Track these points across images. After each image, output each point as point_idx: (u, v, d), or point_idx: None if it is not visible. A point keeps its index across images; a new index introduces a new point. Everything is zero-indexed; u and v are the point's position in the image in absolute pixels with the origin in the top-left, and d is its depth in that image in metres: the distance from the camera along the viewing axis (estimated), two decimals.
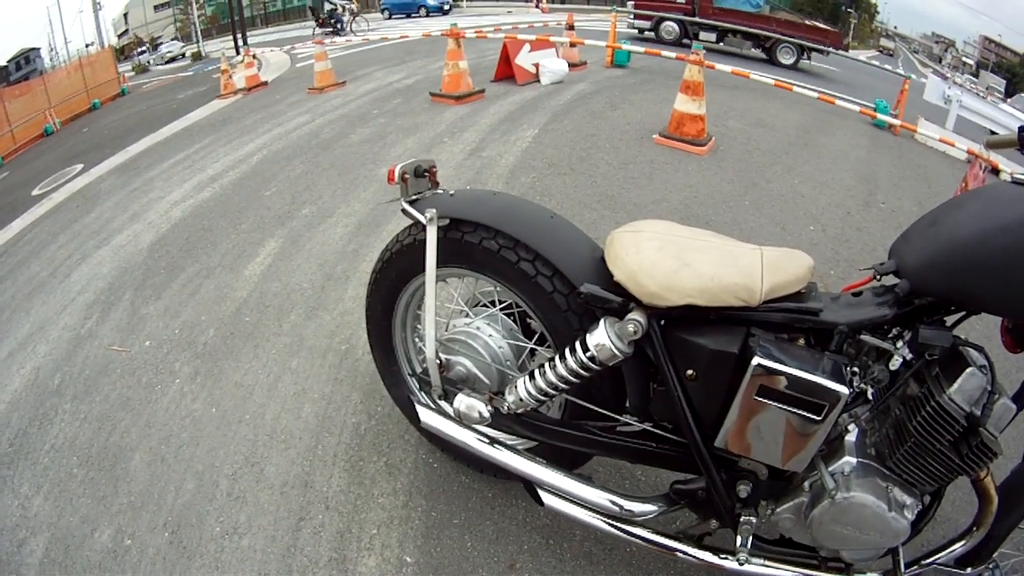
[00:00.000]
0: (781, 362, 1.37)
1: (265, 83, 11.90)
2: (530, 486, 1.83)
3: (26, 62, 29.23)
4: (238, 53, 18.28)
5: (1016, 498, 1.57)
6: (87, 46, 29.60)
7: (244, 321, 3.49)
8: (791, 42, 16.08)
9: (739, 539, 1.63)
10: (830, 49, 15.97)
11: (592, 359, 1.55)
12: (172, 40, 32.55)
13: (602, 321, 1.56)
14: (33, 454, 2.75)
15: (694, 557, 1.71)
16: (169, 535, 2.25)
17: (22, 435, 2.89)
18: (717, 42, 16.80)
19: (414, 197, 1.85)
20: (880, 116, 8.31)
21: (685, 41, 16.49)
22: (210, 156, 7.08)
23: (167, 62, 27.42)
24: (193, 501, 2.37)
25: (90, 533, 2.31)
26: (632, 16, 18.06)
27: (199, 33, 29.67)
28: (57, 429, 2.87)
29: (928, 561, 1.63)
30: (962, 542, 1.60)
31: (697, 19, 16.83)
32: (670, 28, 17.27)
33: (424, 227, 1.75)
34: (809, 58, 16.40)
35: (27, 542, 2.33)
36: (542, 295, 1.71)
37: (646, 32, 17.74)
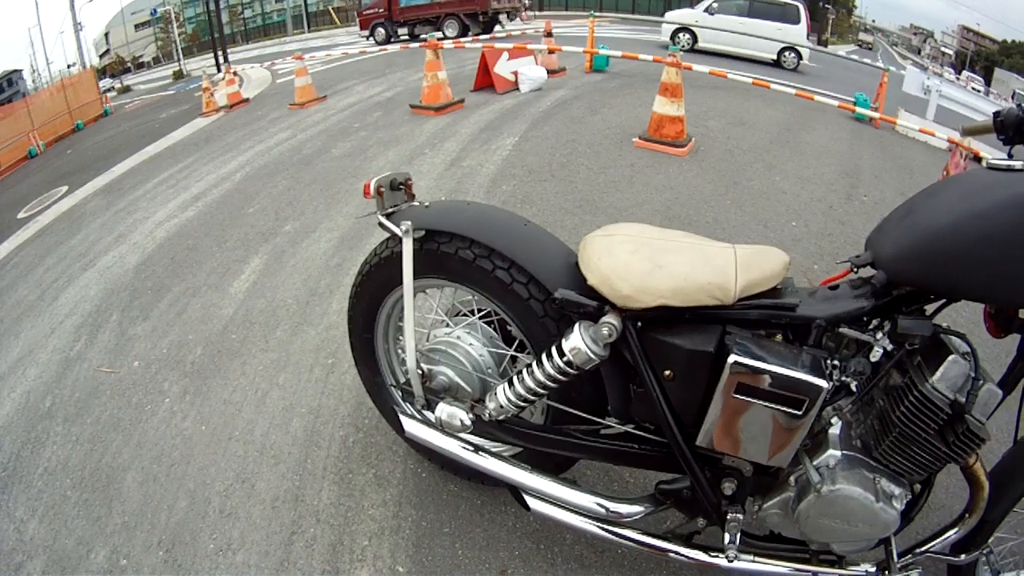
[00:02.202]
0: (758, 359, 1.38)
1: (246, 100, 11.89)
2: (516, 492, 1.84)
3: (8, 84, 29.20)
4: (219, 70, 18.27)
5: (1009, 482, 1.57)
6: (69, 67, 29.59)
7: (231, 338, 3.49)
8: (450, 17, 20.61)
9: (727, 536, 1.63)
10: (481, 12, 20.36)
11: (569, 363, 1.56)
12: (109, 77, 32.39)
13: (577, 325, 1.57)
14: (27, 478, 2.75)
15: (684, 556, 1.72)
16: (164, 554, 2.25)
17: (15, 459, 2.88)
18: (411, 35, 21.64)
19: (390, 210, 1.86)
20: (860, 110, 8.37)
21: (393, 39, 21.84)
22: (193, 175, 7.08)
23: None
24: (186, 519, 2.37)
25: (86, 555, 2.30)
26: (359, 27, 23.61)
27: (180, 52, 29.62)
28: (50, 452, 2.87)
29: (922, 550, 1.63)
30: (955, 529, 1.59)
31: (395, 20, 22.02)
32: (380, 32, 22.12)
33: (400, 239, 1.77)
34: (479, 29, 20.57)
35: (24, 566, 2.32)
36: (519, 302, 1.73)
37: (369, 38, 22.64)
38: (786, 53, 15.01)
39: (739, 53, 14.67)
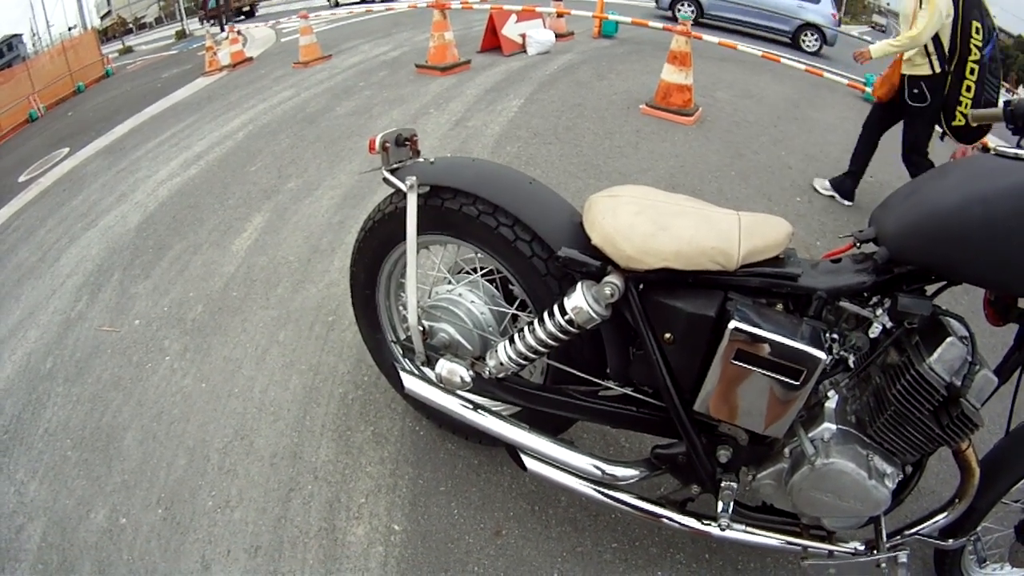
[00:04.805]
0: (758, 326, 1.37)
1: (250, 59, 11.76)
2: (513, 451, 1.84)
3: (8, 49, 28.86)
4: (223, 30, 18.08)
5: (999, 472, 1.59)
6: (70, 29, 29.27)
7: (232, 296, 3.49)
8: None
9: (720, 504, 1.65)
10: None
11: (570, 322, 1.56)
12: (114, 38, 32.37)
13: (579, 284, 1.56)
14: (28, 439, 2.76)
15: (677, 523, 1.73)
16: (163, 511, 2.27)
17: (16, 421, 2.89)
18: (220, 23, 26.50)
19: (395, 166, 1.85)
20: (870, 90, 8.25)
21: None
22: (196, 134, 7.02)
23: None
24: (185, 476, 2.39)
25: (86, 514, 2.32)
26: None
27: (183, 11, 29.34)
28: (50, 413, 2.88)
29: (911, 532, 1.65)
30: (944, 514, 1.61)
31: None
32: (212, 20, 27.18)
33: (405, 195, 1.76)
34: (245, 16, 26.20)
35: (25, 527, 2.34)
36: (521, 260, 1.72)
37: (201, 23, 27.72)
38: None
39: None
